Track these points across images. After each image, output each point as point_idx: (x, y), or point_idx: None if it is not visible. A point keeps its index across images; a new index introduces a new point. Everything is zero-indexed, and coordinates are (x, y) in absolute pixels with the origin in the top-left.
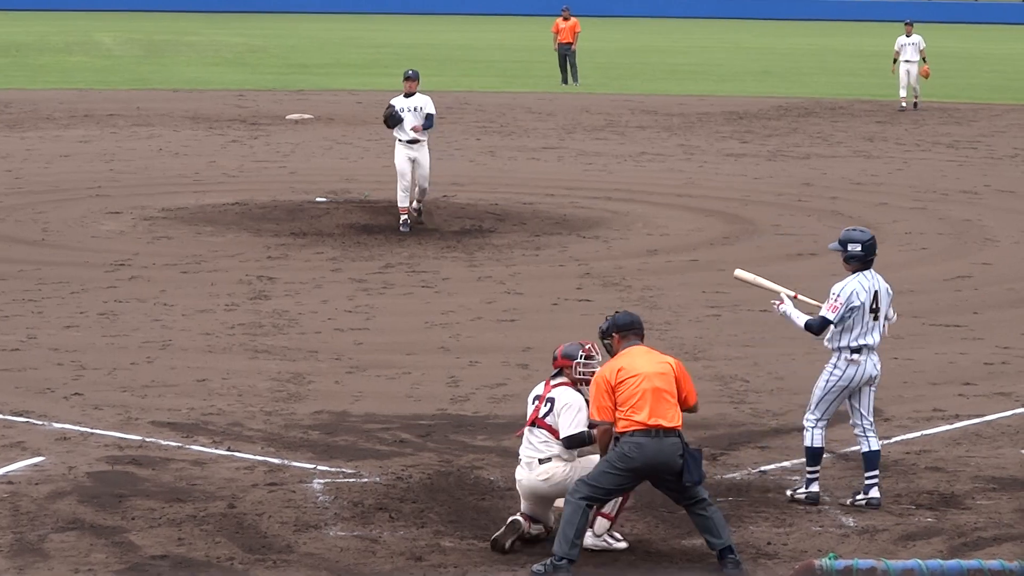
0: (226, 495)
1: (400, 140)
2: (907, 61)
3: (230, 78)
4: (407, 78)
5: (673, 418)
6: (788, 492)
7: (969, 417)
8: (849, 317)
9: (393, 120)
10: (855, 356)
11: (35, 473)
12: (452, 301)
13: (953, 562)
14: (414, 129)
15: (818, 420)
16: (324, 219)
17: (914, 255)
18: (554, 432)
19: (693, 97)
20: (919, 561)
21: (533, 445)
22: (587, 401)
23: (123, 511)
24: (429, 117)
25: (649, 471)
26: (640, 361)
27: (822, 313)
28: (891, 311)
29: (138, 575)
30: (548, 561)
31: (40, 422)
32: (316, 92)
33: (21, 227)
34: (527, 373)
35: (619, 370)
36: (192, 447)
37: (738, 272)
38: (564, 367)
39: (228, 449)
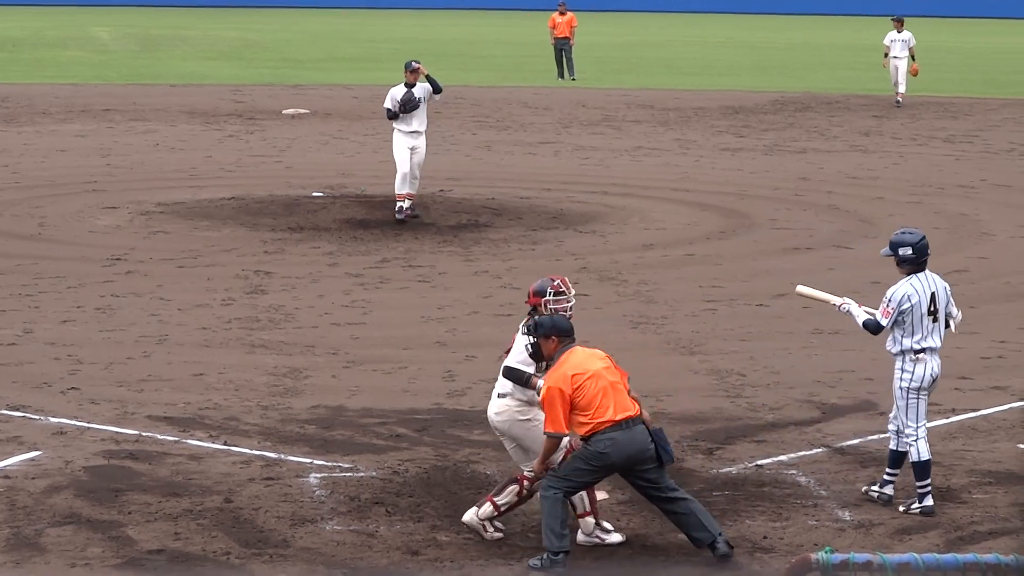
0: (223, 489)
1: (401, 131)
2: (896, 57)
3: (226, 73)
4: (411, 70)
5: (633, 406)
6: (901, 508)
7: (965, 411)
8: (905, 321)
9: (410, 105)
10: (919, 355)
11: (32, 467)
12: (448, 296)
13: (949, 556)
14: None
15: (917, 428)
16: (321, 214)
17: None
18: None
19: (689, 91)
20: (915, 555)
21: (498, 379)
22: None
23: (120, 505)
24: (435, 84)
25: (626, 462)
26: (587, 361)
27: (876, 317)
28: (954, 309)
29: (135, 569)
30: (544, 555)
31: (37, 416)
32: (312, 87)
33: (18, 221)
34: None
35: (572, 376)
36: (189, 441)
37: (800, 288)
38: (535, 304)
39: (225, 443)
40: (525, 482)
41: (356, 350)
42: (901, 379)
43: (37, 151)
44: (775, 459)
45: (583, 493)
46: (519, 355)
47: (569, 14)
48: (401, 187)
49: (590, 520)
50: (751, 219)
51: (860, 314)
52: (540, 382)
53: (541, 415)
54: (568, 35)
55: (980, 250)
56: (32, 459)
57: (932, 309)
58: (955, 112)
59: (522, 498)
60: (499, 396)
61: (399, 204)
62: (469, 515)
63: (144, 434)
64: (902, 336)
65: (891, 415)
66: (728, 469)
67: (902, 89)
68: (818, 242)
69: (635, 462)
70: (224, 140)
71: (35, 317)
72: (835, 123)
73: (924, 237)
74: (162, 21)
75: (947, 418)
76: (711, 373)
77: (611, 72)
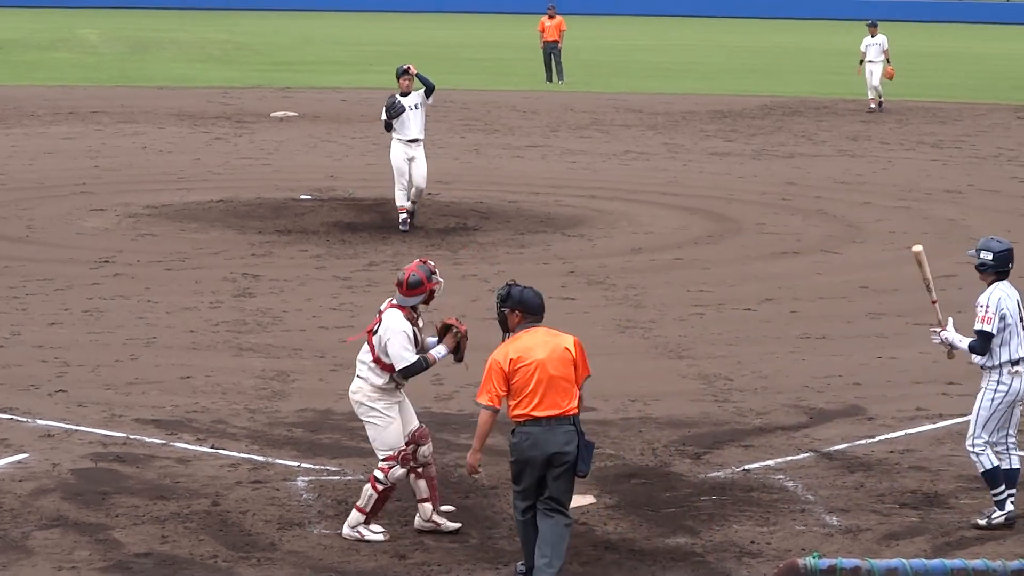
0: (210, 493)
1: (399, 139)
2: (871, 62)
3: (215, 75)
4: (402, 74)
5: (568, 404)
6: (982, 521)
7: (953, 416)
8: (1004, 329)
9: (395, 110)
10: (1017, 368)
11: (18, 470)
12: (436, 299)
13: (937, 561)
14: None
15: (986, 442)
16: (309, 217)
17: (897, 254)
18: (374, 352)
19: (678, 95)
20: (903, 560)
21: (360, 358)
22: (415, 333)
23: (107, 508)
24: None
25: (543, 460)
26: (536, 349)
27: (977, 328)
28: None
29: (122, 573)
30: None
31: (24, 419)
32: (301, 90)
33: (5, 224)
34: None
35: (513, 359)
36: (176, 444)
37: (917, 248)
38: (430, 290)
39: (212, 447)
40: (376, 483)
41: (344, 353)
42: (995, 395)
43: (25, 153)
44: (763, 464)
45: (374, 494)
46: (399, 345)
47: (558, 18)
48: (402, 199)
49: (428, 506)
50: (739, 223)
51: (961, 339)
52: (438, 352)
53: (387, 413)
54: (557, 39)
55: (967, 255)
56: (19, 461)
57: (1023, 316)
58: (943, 117)
59: (383, 493)
60: (358, 377)
61: (402, 216)
62: (345, 530)
63: (131, 437)
64: (1000, 346)
65: (974, 436)
66: (716, 474)
67: (881, 94)
68: (806, 247)
69: (551, 463)
70: (212, 143)
71: (22, 319)
72: (823, 128)
73: (1009, 249)
74: (151, 23)
75: (934, 423)
76: (699, 377)
77: (600, 76)
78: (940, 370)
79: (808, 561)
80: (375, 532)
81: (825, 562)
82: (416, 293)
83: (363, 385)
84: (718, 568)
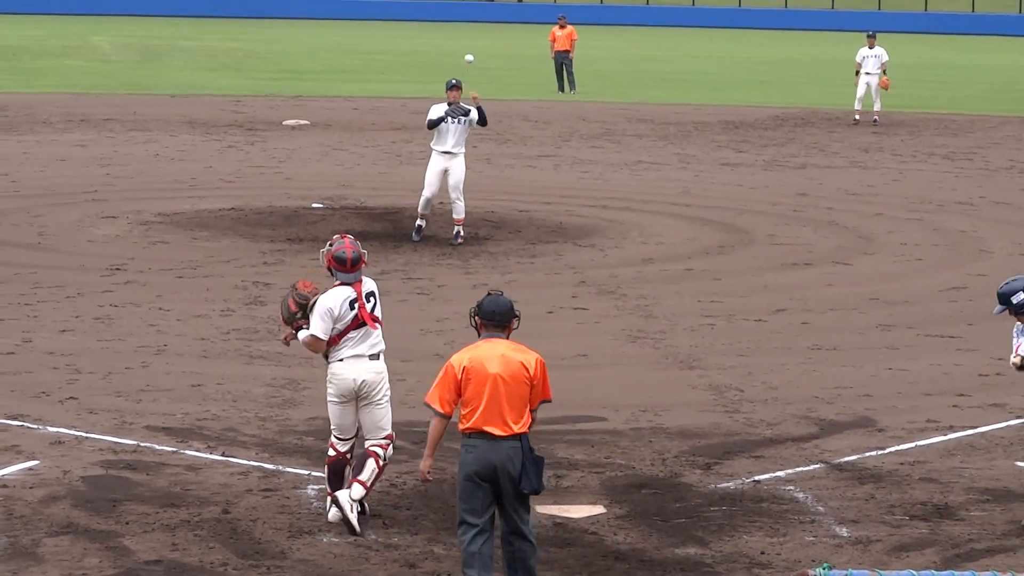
0: (220, 500)
1: (436, 150)
2: (868, 73)
3: (227, 83)
4: (451, 87)
5: (511, 424)
6: None
7: (963, 428)
8: None
9: (435, 123)
10: None
11: (29, 477)
12: (447, 308)
13: (947, 573)
14: (474, 98)
15: None
16: (320, 225)
17: (909, 266)
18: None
19: (689, 106)
20: (913, 572)
21: (368, 344)
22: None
23: (117, 516)
24: (481, 113)
25: (487, 475)
26: (491, 362)
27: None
28: None
29: None
30: None
31: (35, 426)
32: (313, 98)
33: (17, 231)
34: None
35: (467, 367)
36: (186, 452)
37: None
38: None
39: (222, 454)
40: (378, 458)
41: None
42: None
43: (37, 160)
44: (773, 475)
45: (377, 469)
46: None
47: (569, 27)
48: (424, 207)
49: (360, 489)
50: (750, 234)
51: None
52: (303, 334)
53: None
54: (568, 48)
55: (978, 267)
56: (30, 468)
57: None
58: (955, 129)
59: (382, 468)
60: (382, 359)
61: (418, 223)
62: (343, 495)
63: (142, 444)
64: None
65: None
66: (726, 484)
67: (877, 106)
68: (817, 258)
69: (499, 478)
70: (224, 151)
71: (34, 326)
72: (835, 139)
73: None
74: (162, 31)
75: (945, 435)
76: (709, 388)
77: (611, 86)
78: (951, 382)
79: (818, 572)
80: (353, 498)
81: (835, 573)
82: (355, 269)
83: (385, 367)
84: None
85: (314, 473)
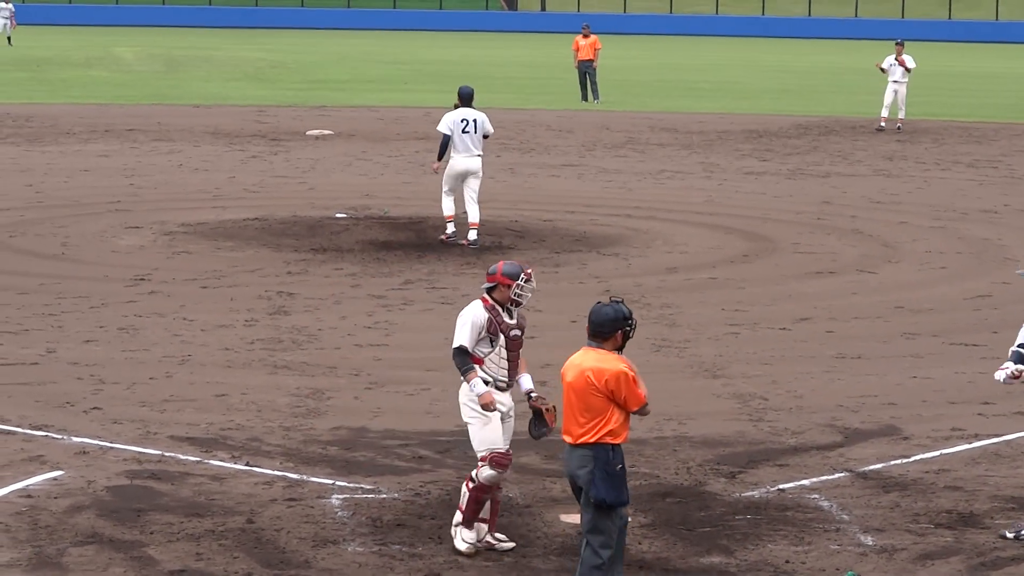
0: (244, 510)
1: (454, 156)
2: (895, 81)
3: (250, 93)
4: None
5: (580, 433)
6: (1010, 534)
7: (988, 436)
8: None
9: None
10: None
11: (54, 487)
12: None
13: None
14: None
15: None
16: (344, 235)
17: (933, 274)
18: None
19: (713, 115)
20: None
21: None
22: (496, 323)
23: (142, 525)
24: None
25: (570, 481)
26: (571, 370)
27: None
28: None
29: None
30: None
31: (59, 436)
32: (336, 108)
33: (41, 241)
34: (546, 390)
35: (562, 373)
36: (211, 462)
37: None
38: (501, 284)
39: (247, 464)
40: (469, 481)
41: (378, 371)
42: None
43: (61, 171)
44: (797, 483)
45: (467, 492)
46: (459, 325)
47: (592, 37)
48: (449, 209)
49: (483, 527)
50: (774, 243)
51: None
52: (476, 386)
53: (483, 413)
54: (592, 58)
55: (1003, 275)
56: (54, 478)
57: None
58: (979, 137)
59: (474, 492)
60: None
61: (451, 229)
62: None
63: (166, 454)
64: None
65: None
66: (750, 493)
67: (901, 114)
68: (841, 266)
69: (574, 484)
70: (248, 161)
71: (58, 337)
72: (858, 147)
73: None
74: (186, 42)
75: (970, 443)
76: (733, 397)
77: (635, 95)
78: (976, 390)
79: None
80: (465, 540)
81: None
82: (487, 279)
83: (464, 385)
84: None
85: (338, 483)
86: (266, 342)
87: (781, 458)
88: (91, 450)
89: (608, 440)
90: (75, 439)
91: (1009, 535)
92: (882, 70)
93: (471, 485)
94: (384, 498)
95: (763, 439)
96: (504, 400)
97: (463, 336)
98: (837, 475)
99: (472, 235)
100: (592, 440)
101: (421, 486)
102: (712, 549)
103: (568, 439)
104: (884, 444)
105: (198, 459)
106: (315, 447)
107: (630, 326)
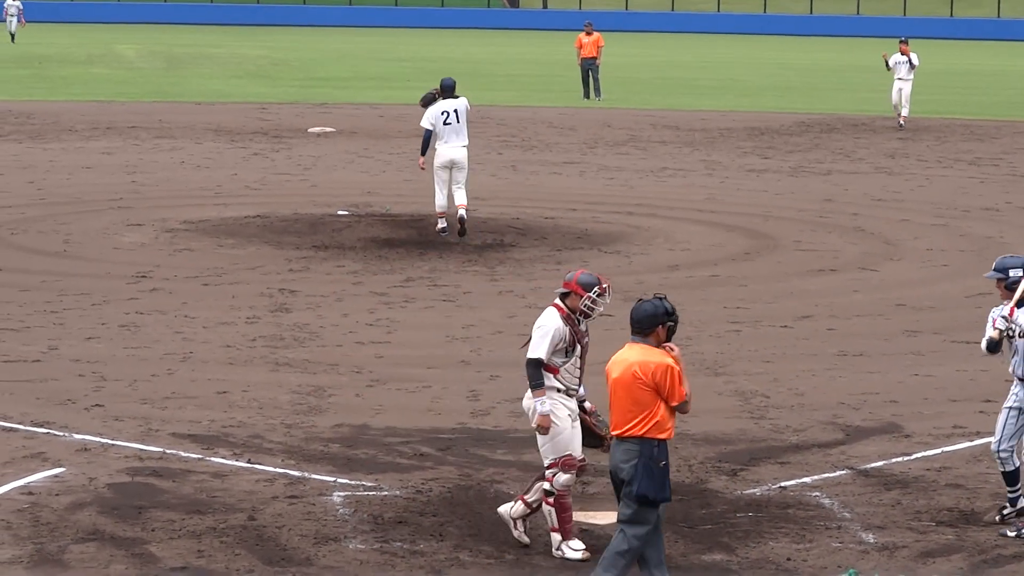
0: (246, 507)
1: (440, 145)
2: (900, 79)
3: (252, 91)
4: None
5: (627, 428)
6: (1011, 533)
7: (989, 434)
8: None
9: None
10: None
11: (55, 484)
12: (473, 315)
13: None
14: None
15: (1011, 449)
16: (345, 232)
17: (935, 272)
18: None
19: (715, 112)
20: None
21: None
22: (574, 333)
23: (143, 522)
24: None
25: (611, 474)
26: (617, 365)
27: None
28: None
29: None
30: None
31: (61, 433)
32: (338, 105)
33: (43, 238)
34: None
35: (607, 369)
36: (212, 459)
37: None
38: (574, 292)
39: (248, 461)
40: (547, 496)
41: (380, 369)
42: (1011, 403)
43: (63, 168)
44: (799, 481)
45: (551, 509)
46: (538, 336)
47: (595, 34)
48: (443, 206)
49: (556, 536)
50: (776, 240)
51: (988, 331)
52: (543, 404)
53: (554, 421)
54: (595, 55)
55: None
56: (56, 475)
57: None
58: (981, 135)
59: (554, 503)
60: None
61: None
62: (503, 508)
63: (168, 451)
64: (1020, 361)
65: (997, 441)
66: (752, 491)
67: (905, 112)
68: (843, 264)
69: (615, 478)
70: (249, 158)
71: (60, 334)
72: (860, 145)
73: None
74: (188, 39)
75: (971, 441)
76: (735, 394)
77: (637, 93)
78: (977, 388)
79: None
80: (575, 549)
81: None
82: (562, 286)
83: (530, 392)
84: None
85: (339, 480)
86: (268, 339)
87: (783, 456)
88: (92, 447)
89: (654, 434)
90: (76, 436)
91: (1011, 534)
92: (888, 67)
93: (550, 500)
94: (385, 495)
95: (765, 436)
96: (572, 406)
97: (541, 348)
98: (839, 473)
99: (460, 212)
100: (639, 433)
101: (422, 483)
102: (714, 547)
103: (615, 433)
104: (885, 442)
105: (199, 456)
106: (316, 444)
107: (672, 321)
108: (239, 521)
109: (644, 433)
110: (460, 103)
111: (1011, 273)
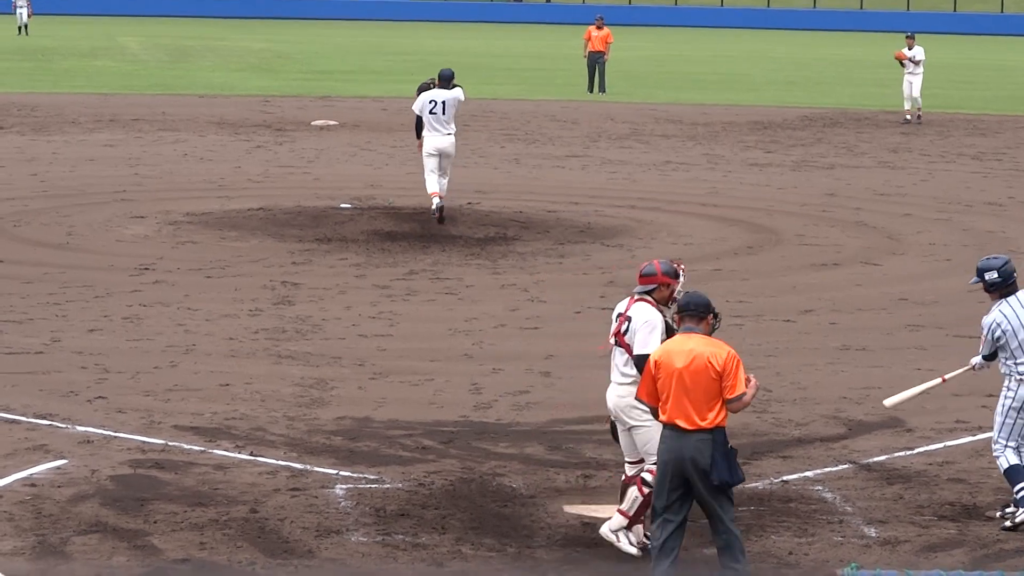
0: (248, 500)
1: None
2: (910, 73)
3: (255, 84)
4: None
5: (697, 418)
6: (1007, 523)
7: (992, 429)
8: (1006, 347)
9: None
10: None
11: (58, 476)
12: (476, 308)
13: (976, 574)
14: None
15: (1005, 444)
16: (348, 225)
17: (938, 266)
18: (630, 350)
19: (718, 106)
20: (941, 572)
21: (616, 366)
22: (667, 326)
23: (145, 514)
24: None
25: (676, 468)
26: (678, 356)
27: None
28: None
29: None
30: None
31: (63, 425)
32: (341, 98)
33: (46, 230)
34: (550, 381)
35: (656, 361)
36: (215, 451)
37: (887, 402)
38: (662, 284)
39: (251, 454)
40: (642, 485)
41: (383, 362)
42: (1004, 399)
43: (66, 160)
44: (801, 475)
45: (639, 497)
46: (643, 340)
47: (606, 29)
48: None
49: (622, 519)
50: (778, 235)
51: (975, 360)
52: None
53: (652, 424)
54: (603, 50)
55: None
56: (58, 467)
57: None
58: (984, 129)
59: (647, 496)
60: (617, 384)
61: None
62: (604, 529)
63: (170, 444)
64: (1006, 359)
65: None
66: (754, 484)
67: (919, 106)
68: (845, 258)
69: (685, 471)
70: (253, 151)
71: (62, 326)
72: (863, 139)
73: (1008, 261)
74: (191, 32)
75: (974, 435)
76: None
77: (640, 86)
78: (979, 383)
79: (846, 572)
80: (632, 544)
81: (863, 573)
82: (646, 281)
83: (630, 389)
84: None
85: (342, 472)
86: (270, 332)
87: (785, 450)
88: (95, 439)
89: (722, 422)
90: (79, 428)
91: (1007, 524)
92: (901, 64)
93: (645, 490)
94: (388, 488)
95: (767, 431)
96: None
97: (655, 343)
98: (841, 467)
99: (435, 202)
100: (714, 424)
101: (425, 476)
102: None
103: (683, 424)
104: (888, 436)
105: (202, 448)
106: (319, 437)
107: (716, 316)
108: (241, 513)
109: (717, 423)
110: (451, 94)
111: (986, 276)
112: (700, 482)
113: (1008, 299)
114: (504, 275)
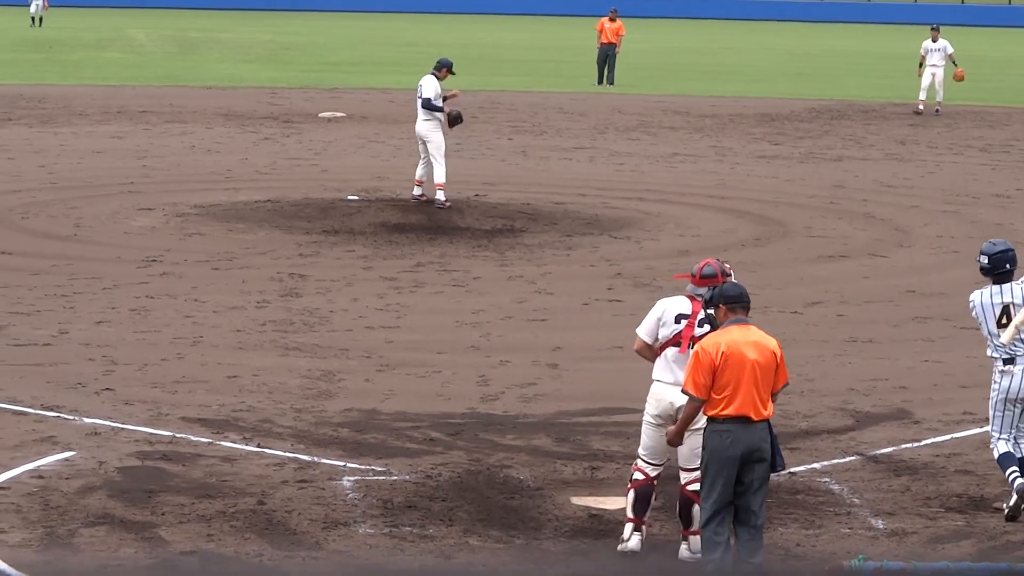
0: (256, 491)
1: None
2: (933, 65)
3: (263, 75)
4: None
5: (763, 408)
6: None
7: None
8: (980, 330)
9: (458, 122)
10: (1006, 367)
11: (65, 468)
12: (483, 300)
13: (983, 565)
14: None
15: (998, 436)
16: (356, 217)
17: (945, 258)
18: None
19: (726, 98)
20: (948, 563)
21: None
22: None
23: (153, 506)
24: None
25: (745, 459)
26: (750, 347)
27: None
28: None
29: (167, 570)
30: None
31: (71, 417)
32: (348, 90)
33: (53, 222)
34: (557, 373)
35: (725, 352)
36: (222, 443)
37: (1003, 339)
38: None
39: (258, 446)
40: (696, 496)
41: (390, 353)
42: (992, 391)
43: (74, 152)
44: (808, 467)
45: (696, 507)
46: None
47: (619, 21)
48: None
49: (697, 538)
50: (786, 227)
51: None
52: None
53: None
54: (615, 42)
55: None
56: (66, 459)
57: (1004, 321)
58: (992, 121)
59: (649, 495)
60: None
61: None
62: (682, 553)
63: (178, 435)
64: (988, 346)
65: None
66: None
67: (939, 98)
68: (853, 250)
69: (752, 459)
70: (260, 143)
71: (70, 318)
72: (871, 131)
73: (1006, 250)
74: (199, 23)
75: (981, 427)
76: None
77: (647, 78)
78: (986, 374)
79: (854, 564)
80: (692, 551)
81: (871, 565)
82: (706, 283)
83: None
84: (764, 570)
85: (349, 464)
86: (278, 324)
87: (792, 441)
88: (102, 431)
89: (772, 412)
90: (87, 420)
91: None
92: (920, 64)
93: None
94: (395, 480)
95: (774, 422)
96: None
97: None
98: (848, 459)
99: (439, 196)
100: (770, 413)
101: (432, 468)
102: None
103: (752, 416)
104: (895, 428)
105: (209, 440)
106: (326, 429)
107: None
108: (249, 505)
109: (770, 415)
110: (422, 81)
111: (979, 259)
112: (758, 472)
113: (994, 285)
114: (511, 267)
